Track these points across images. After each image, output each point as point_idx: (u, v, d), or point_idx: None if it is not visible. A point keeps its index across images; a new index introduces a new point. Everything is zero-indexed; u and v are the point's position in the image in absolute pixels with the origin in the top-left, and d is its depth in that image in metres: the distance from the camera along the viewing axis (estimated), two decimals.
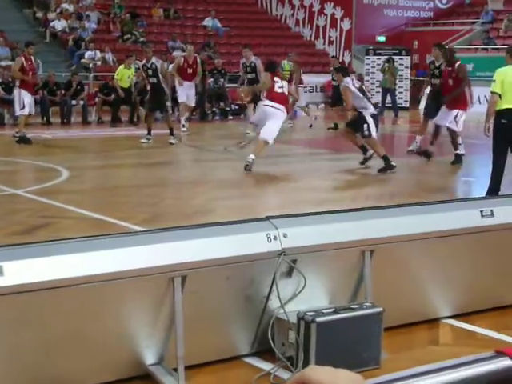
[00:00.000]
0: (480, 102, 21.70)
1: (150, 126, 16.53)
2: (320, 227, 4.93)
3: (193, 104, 19.60)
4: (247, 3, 34.05)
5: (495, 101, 9.46)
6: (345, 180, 12.38)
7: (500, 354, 1.86)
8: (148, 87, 16.94)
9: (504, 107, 9.36)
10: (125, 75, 21.91)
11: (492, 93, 9.54)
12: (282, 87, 12.67)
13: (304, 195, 10.53)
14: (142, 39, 28.07)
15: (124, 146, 16.51)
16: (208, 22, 30.61)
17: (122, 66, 22.22)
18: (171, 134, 16.47)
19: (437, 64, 14.80)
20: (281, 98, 12.59)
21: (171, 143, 16.28)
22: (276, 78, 12.77)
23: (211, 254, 4.51)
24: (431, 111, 14.63)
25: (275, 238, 4.70)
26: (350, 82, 12.51)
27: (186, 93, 18.86)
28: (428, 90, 15.58)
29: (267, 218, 4.84)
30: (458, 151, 13.79)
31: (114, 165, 13.80)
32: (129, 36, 28.10)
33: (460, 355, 3.55)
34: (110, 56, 26.18)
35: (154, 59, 16.64)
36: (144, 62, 16.86)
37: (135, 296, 4.40)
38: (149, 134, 16.47)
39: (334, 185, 11.75)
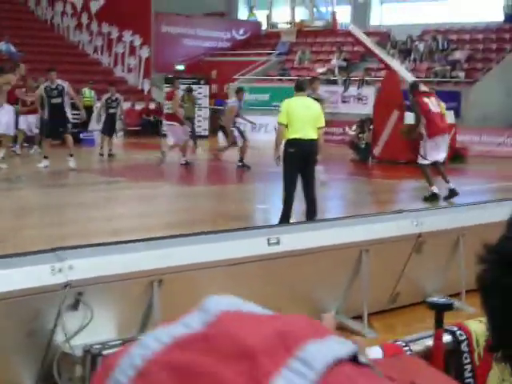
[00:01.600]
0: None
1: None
2: (107, 258, 4.86)
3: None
4: (43, 28, 33.36)
5: (282, 131, 9.80)
6: (143, 208, 12.31)
7: None
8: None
9: (291, 137, 9.69)
10: None
11: (279, 123, 9.88)
12: None
13: (97, 225, 10.40)
14: None
15: None
16: (1, 45, 29.69)
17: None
18: None
19: None
20: None
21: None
22: None
23: None
24: None
25: (60, 271, 4.58)
26: None
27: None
28: None
29: (53, 250, 4.72)
30: None
31: None
32: None
33: None
34: None
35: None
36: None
37: None
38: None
39: (131, 213, 11.67)
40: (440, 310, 3.20)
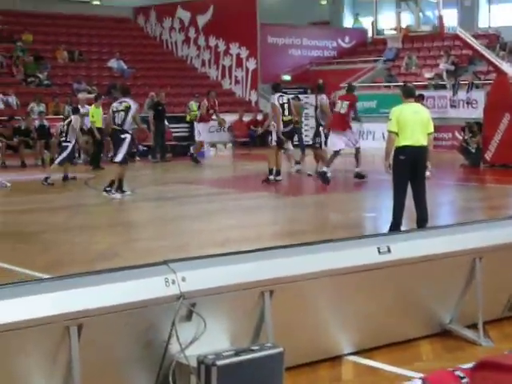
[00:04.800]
0: (384, 138, 22.14)
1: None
2: (218, 269, 4.92)
3: None
4: (153, 44, 34.12)
5: (392, 139, 9.70)
6: (249, 219, 12.40)
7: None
8: None
9: (402, 144, 9.59)
10: (99, 115, 21.17)
11: (389, 131, 9.78)
12: None
13: (207, 236, 10.55)
14: (46, 82, 27.76)
15: (28, 191, 16.23)
16: (113, 63, 30.50)
17: (93, 107, 21.50)
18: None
19: None
20: None
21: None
22: None
23: (107, 301, 4.45)
24: None
25: (173, 282, 4.67)
26: None
27: None
28: None
29: (165, 262, 4.81)
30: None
31: (16, 210, 13.53)
32: (32, 79, 27.73)
33: None
34: (13, 99, 25.80)
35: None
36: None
37: (31, 347, 4.29)
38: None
39: (238, 224, 11.76)
40: None
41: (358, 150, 17.09)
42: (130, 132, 14.43)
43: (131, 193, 14.70)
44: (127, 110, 14.24)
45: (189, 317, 4.76)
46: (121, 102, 14.51)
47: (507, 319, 6.65)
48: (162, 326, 4.70)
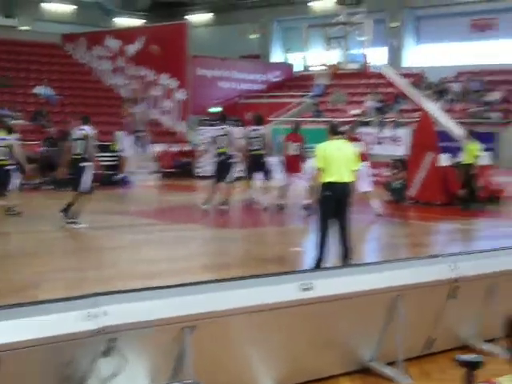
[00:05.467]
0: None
1: None
2: (141, 304, 4.88)
3: None
4: (81, 72, 33.81)
5: (318, 175, 9.81)
6: (180, 252, 12.33)
7: None
8: None
9: (327, 180, 9.70)
10: None
11: (315, 168, 9.89)
12: None
13: (133, 268, 10.45)
14: None
15: None
16: (39, 89, 30.12)
17: None
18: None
19: None
20: None
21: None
22: None
23: (26, 334, 4.37)
24: None
25: (95, 316, 4.61)
26: None
27: None
28: None
29: (88, 296, 4.75)
30: None
31: None
32: None
33: None
34: None
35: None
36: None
37: None
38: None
39: (168, 256, 11.68)
40: (470, 369, 3.15)
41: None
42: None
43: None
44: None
45: (109, 352, 4.70)
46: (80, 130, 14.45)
47: (426, 357, 6.74)
48: (82, 361, 4.63)
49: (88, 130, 14.49)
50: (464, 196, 18.61)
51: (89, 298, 4.73)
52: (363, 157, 15.66)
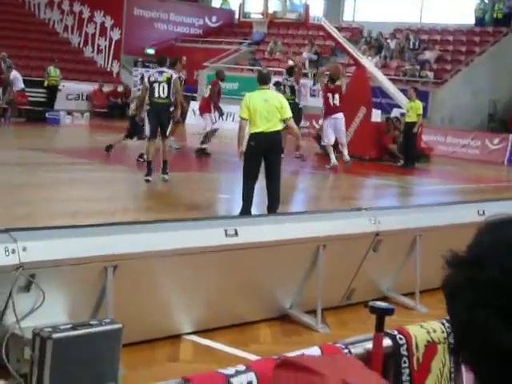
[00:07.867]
0: None
1: None
2: (62, 241, 4.83)
3: None
4: (13, 3, 32.84)
5: (243, 125, 9.76)
6: (104, 192, 12.21)
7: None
8: None
9: (253, 131, 9.66)
10: None
11: (240, 118, 9.83)
12: None
13: (56, 207, 10.32)
14: None
15: None
16: None
17: None
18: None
19: None
20: None
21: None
22: None
23: None
24: None
25: (13, 252, 4.55)
26: None
27: None
28: None
29: (7, 231, 4.68)
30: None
31: None
32: None
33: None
34: None
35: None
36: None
37: None
38: None
39: (91, 197, 11.56)
40: (381, 315, 3.22)
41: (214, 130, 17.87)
42: None
43: None
44: None
45: (27, 288, 4.65)
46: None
47: (345, 307, 6.85)
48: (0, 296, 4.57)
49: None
50: (404, 154, 18.90)
51: (7, 232, 4.65)
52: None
